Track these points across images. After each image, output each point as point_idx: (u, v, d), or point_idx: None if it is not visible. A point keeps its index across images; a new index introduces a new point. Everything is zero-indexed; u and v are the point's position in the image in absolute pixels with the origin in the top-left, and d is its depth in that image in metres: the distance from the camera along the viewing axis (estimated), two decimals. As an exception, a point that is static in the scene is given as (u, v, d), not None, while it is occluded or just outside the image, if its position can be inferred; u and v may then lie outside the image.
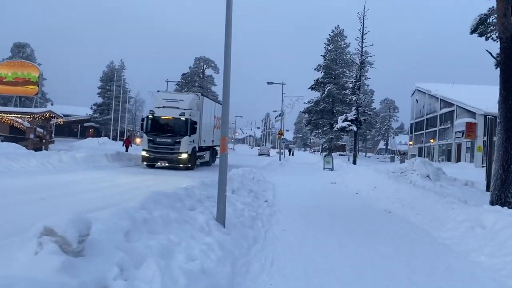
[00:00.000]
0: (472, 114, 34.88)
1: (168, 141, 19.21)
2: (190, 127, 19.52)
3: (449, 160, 38.52)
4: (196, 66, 72.52)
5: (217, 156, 24.89)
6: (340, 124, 32.49)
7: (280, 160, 30.66)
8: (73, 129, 72.83)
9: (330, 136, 42.72)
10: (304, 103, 44.92)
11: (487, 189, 15.23)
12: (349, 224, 8.51)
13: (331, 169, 26.67)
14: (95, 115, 76.55)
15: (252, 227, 7.00)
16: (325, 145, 50.73)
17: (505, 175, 9.53)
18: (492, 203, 9.75)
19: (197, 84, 71.70)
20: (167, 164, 19.88)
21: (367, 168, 20.24)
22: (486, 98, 34.78)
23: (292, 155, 59.33)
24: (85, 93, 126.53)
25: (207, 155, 23.56)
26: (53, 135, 40.60)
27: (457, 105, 38.10)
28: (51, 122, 32.14)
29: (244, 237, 6.14)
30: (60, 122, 33.78)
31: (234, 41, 6.43)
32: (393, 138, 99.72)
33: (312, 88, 45.55)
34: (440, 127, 42.73)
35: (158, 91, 24.48)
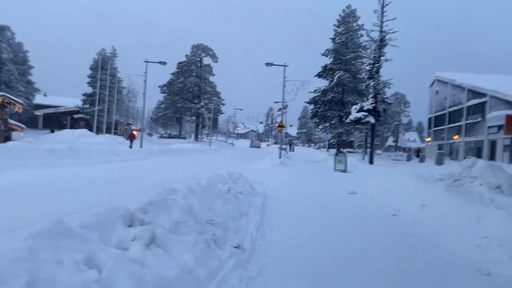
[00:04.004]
0: (513, 105, 29.12)
1: None
2: None
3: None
4: (193, 54, 66.88)
5: None
6: (354, 115, 26.97)
7: (280, 157, 25.18)
8: (62, 121, 67.78)
9: (340, 130, 37.27)
10: (310, 92, 39.26)
11: None
12: None
13: (344, 171, 21.38)
14: (85, 106, 71.90)
15: None
16: (332, 140, 45.35)
17: None
18: None
19: (194, 73, 66.25)
20: None
21: (397, 172, 14.89)
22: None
23: (292, 150, 53.58)
24: (77, 83, 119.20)
25: None
26: (23, 125, 35.38)
27: (490, 95, 32.23)
28: (7, 109, 26.82)
29: None
30: (20, 109, 28.47)
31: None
32: (404, 134, 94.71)
33: (319, 75, 40.06)
34: (467, 122, 36.97)
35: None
